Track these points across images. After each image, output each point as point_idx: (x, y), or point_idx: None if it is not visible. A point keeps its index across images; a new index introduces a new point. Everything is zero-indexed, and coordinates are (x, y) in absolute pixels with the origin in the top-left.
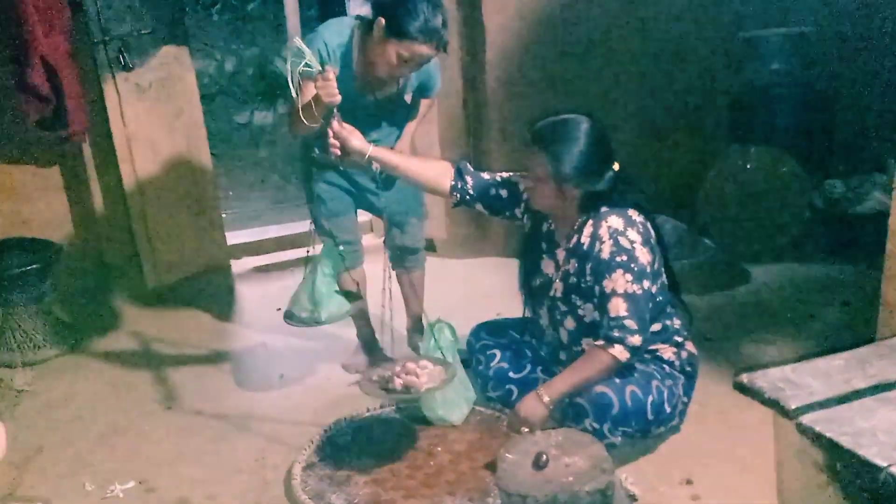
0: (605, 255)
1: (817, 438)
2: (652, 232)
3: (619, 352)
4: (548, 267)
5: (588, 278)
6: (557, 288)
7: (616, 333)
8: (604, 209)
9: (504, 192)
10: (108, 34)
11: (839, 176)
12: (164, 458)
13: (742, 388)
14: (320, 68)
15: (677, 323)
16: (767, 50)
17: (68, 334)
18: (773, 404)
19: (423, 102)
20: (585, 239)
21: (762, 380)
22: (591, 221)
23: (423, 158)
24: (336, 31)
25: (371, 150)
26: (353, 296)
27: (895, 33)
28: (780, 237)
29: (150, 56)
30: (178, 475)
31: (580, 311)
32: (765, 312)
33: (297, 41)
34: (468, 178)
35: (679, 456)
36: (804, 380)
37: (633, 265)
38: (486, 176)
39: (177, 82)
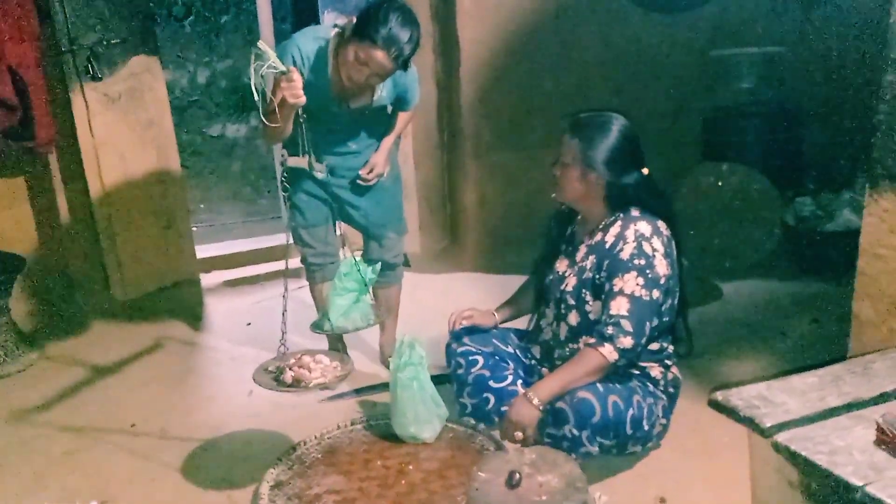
0: (625, 255)
1: (793, 457)
2: (675, 250)
3: (609, 351)
4: (561, 265)
5: (602, 274)
6: (570, 282)
7: (609, 330)
8: (635, 212)
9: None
10: (76, 43)
11: (809, 193)
12: (128, 477)
13: (717, 406)
14: (284, 69)
15: (671, 347)
16: (739, 69)
17: (32, 349)
18: (749, 422)
19: (401, 116)
20: (610, 238)
21: (737, 397)
22: (619, 222)
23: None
24: (311, 38)
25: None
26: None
27: (864, 53)
28: (751, 254)
29: (119, 66)
30: (142, 494)
31: (587, 307)
32: (736, 329)
33: (261, 44)
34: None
35: (653, 473)
36: (779, 397)
37: (648, 271)
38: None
39: (147, 93)
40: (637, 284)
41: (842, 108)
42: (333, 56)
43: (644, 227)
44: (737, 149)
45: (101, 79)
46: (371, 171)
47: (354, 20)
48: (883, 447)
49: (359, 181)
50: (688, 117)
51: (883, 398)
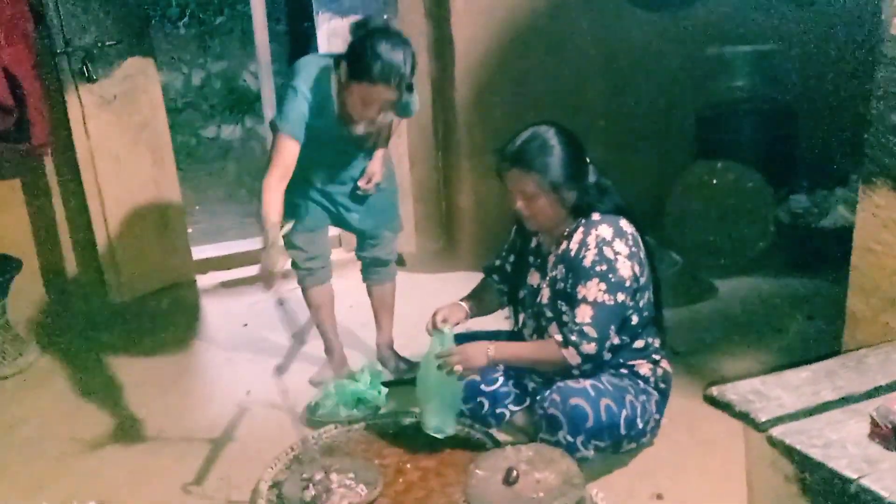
0: (587, 262)
1: (787, 450)
2: (641, 245)
3: (571, 354)
4: (533, 278)
5: (569, 282)
6: (545, 294)
7: (573, 337)
8: (596, 216)
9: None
10: (71, 45)
11: (803, 191)
12: (126, 479)
13: (712, 401)
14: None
15: (657, 341)
16: (732, 66)
17: (28, 351)
18: (744, 417)
19: (395, 121)
20: (574, 245)
21: (732, 392)
22: (581, 228)
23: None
24: (314, 73)
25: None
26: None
27: (857, 50)
28: (745, 251)
29: (114, 68)
30: (139, 496)
31: (565, 318)
32: (731, 326)
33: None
34: (495, 277)
35: (649, 470)
36: (773, 392)
37: (610, 276)
38: (497, 262)
39: (142, 95)
40: (600, 290)
41: (835, 104)
42: (336, 90)
43: (605, 230)
44: (731, 146)
45: (95, 81)
46: (369, 180)
47: (345, 65)
48: (876, 440)
49: (358, 192)
50: (681, 115)
51: (876, 392)
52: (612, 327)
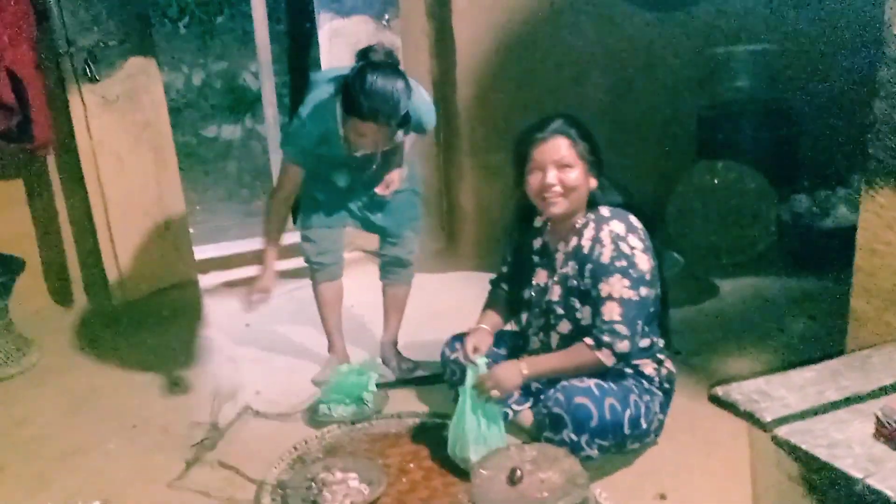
0: (605, 258)
1: (793, 450)
2: (650, 241)
3: (606, 356)
4: (539, 277)
5: (586, 280)
6: (554, 292)
7: (606, 338)
8: (605, 212)
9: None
10: (73, 45)
11: (805, 191)
12: (129, 478)
13: (717, 401)
14: None
15: (661, 341)
16: (733, 66)
17: (31, 351)
18: (749, 416)
19: (408, 138)
20: (586, 242)
21: (737, 392)
22: (592, 224)
23: (490, 317)
24: (317, 103)
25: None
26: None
27: (858, 50)
28: (747, 251)
29: (116, 68)
30: (143, 495)
31: (578, 315)
32: (733, 326)
33: None
34: (504, 286)
35: (653, 470)
36: (778, 392)
37: (631, 271)
38: (504, 269)
39: (144, 94)
40: (623, 286)
41: (837, 104)
42: (341, 118)
43: (617, 226)
44: (732, 146)
45: (98, 80)
46: (387, 187)
47: (342, 97)
48: (882, 440)
49: (375, 198)
50: (683, 115)
51: (881, 392)
52: (640, 322)
